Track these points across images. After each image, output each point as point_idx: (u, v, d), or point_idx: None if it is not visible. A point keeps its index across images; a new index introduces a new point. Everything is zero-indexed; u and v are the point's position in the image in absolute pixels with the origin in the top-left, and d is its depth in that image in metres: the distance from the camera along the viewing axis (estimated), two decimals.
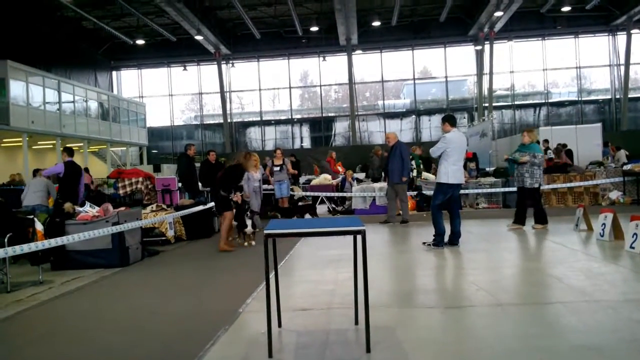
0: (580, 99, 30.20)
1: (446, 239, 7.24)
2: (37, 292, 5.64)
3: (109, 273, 6.55)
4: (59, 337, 3.98)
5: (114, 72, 33.62)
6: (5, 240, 5.59)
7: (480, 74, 29.23)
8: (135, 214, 7.59)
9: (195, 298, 5.11)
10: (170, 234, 8.68)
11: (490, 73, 27.85)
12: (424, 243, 7.35)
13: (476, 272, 5.91)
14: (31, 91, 22.49)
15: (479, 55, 29.23)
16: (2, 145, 22.79)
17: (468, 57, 30.67)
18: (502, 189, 11.99)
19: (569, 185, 11.88)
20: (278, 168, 11.29)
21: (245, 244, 8.22)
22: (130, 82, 33.98)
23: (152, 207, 9.23)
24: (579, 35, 29.64)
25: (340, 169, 16.52)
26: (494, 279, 5.41)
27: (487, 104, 27.92)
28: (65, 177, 8.39)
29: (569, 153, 15.14)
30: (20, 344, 3.85)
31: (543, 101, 30.62)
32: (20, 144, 21.81)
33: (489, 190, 12.13)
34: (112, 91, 32.19)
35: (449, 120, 7.39)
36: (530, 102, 31.12)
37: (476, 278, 5.60)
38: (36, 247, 5.68)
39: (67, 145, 13.05)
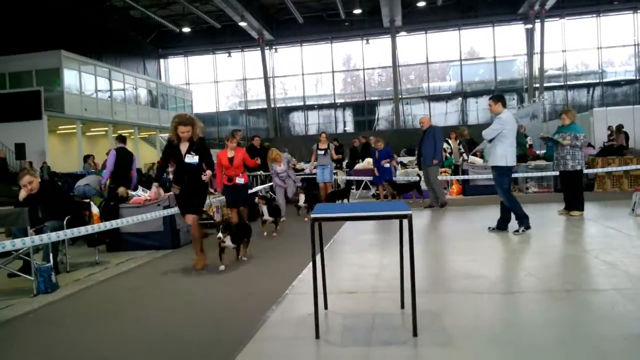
0: (638, 77, 28.67)
1: (493, 224, 7.09)
2: (94, 273, 5.93)
3: (161, 255, 6.79)
4: (116, 316, 4.17)
5: (161, 60, 34.44)
6: (64, 223, 5.87)
7: (530, 53, 28.22)
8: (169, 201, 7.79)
9: (243, 279, 5.23)
10: (217, 217, 8.88)
11: (541, 52, 26.83)
12: (490, 228, 7.13)
13: (525, 258, 5.78)
14: (84, 80, 23.36)
15: (529, 34, 28.18)
16: (58, 132, 23.84)
17: (517, 37, 29.62)
18: (553, 173, 11.60)
19: (625, 168, 11.35)
20: (322, 152, 11.17)
21: (265, 233, 7.86)
22: (177, 69, 34.75)
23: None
24: (638, 10, 28.04)
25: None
26: (545, 264, 5.27)
27: (537, 85, 26.97)
28: (118, 162, 8.68)
29: (625, 135, 14.46)
30: (81, 322, 4.06)
31: (597, 81, 29.28)
32: (74, 130, 22.76)
33: (540, 174, 11.75)
34: (160, 79, 33.00)
35: (502, 100, 7.12)
36: (584, 82, 29.83)
37: (525, 263, 5.48)
38: (92, 229, 5.95)
39: (120, 132, 13.47)
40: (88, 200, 6.94)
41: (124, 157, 8.83)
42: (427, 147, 9.90)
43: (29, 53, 21.21)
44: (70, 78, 22.67)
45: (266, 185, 11.69)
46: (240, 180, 7.60)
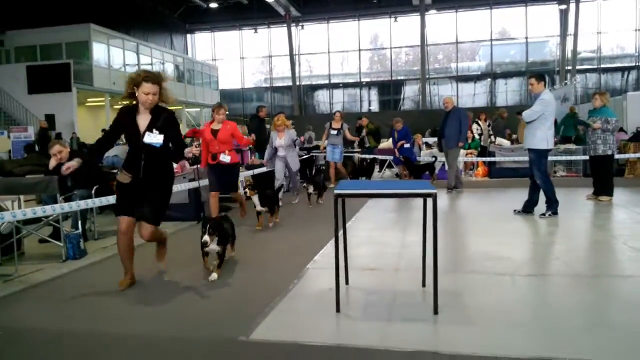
0: None
1: (519, 206, 6.98)
2: None
3: (187, 226, 6.90)
4: (140, 284, 4.26)
5: (188, 35, 34.51)
6: (92, 192, 6.00)
7: (563, 35, 27.37)
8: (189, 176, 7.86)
9: (265, 252, 5.28)
10: (240, 191, 8.94)
11: (575, 34, 26.01)
12: (515, 210, 6.99)
13: (551, 241, 5.69)
14: (112, 53, 23.58)
15: (564, 14, 27.29)
16: (87, 104, 24.22)
17: (551, 17, 28.73)
18: (582, 157, 11.33)
19: None
20: (335, 132, 10.81)
21: (271, 224, 6.65)
22: (203, 45, 34.79)
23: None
24: None
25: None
26: (571, 248, 5.19)
27: (570, 67, 26.20)
28: None
29: None
30: (106, 288, 4.17)
31: (633, 64, 28.29)
32: (103, 103, 23.10)
33: (569, 157, 11.49)
34: (187, 54, 33.10)
35: (544, 79, 6.80)
36: (619, 65, 28.86)
37: (551, 247, 5.40)
38: None
39: None
40: (116, 171, 7.07)
41: None
42: (451, 129, 9.51)
43: (59, 26, 21.47)
44: (99, 51, 22.92)
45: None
46: (225, 158, 6.50)
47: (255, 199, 6.43)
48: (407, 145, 11.45)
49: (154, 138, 4.00)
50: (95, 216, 6.47)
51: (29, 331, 3.31)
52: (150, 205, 4.06)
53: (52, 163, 6.06)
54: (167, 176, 4.18)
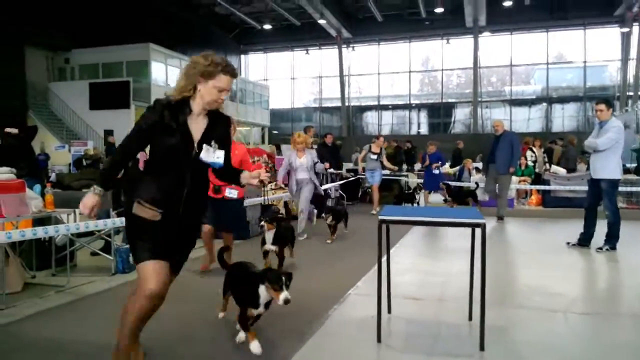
0: None
1: (574, 238, 6.66)
2: None
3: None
4: (182, 298, 4.32)
5: (242, 56, 35.46)
6: None
7: (625, 59, 26.33)
8: (256, 192, 7.95)
9: (307, 276, 5.25)
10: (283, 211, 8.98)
11: (639, 58, 24.96)
12: (569, 243, 6.67)
13: (609, 277, 5.39)
14: (169, 72, 24.54)
15: (626, 37, 26.29)
16: None
17: (611, 40, 27.72)
18: None
19: None
20: (375, 157, 10.39)
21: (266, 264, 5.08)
22: (256, 65, 35.64)
23: (271, 186, 9.61)
24: None
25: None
26: (629, 286, 4.88)
27: (631, 93, 25.11)
28: None
29: None
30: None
31: None
32: None
33: (629, 189, 10.92)
34: (240, 74, 34.00)
35: (613, 106, 6.52)
36: None
37: (608, 283, 5.11)
38: None
39: None
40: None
41: None
42: (503, 154, 9.13)
43: (120, 45, 22.56)
44: (157, 70, 23.89)
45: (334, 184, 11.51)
46: (232, 193, 5.25)
47: (270, 234, 5.09)
48: (436, 172, 11.25)
49: (214, 155, 2.70)
50: None
51: (74, 342, 3.40)
52: (184, 255, 2.87)
53: None
54: (204, 210, 3.02)
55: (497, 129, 9.48)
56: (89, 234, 5.51)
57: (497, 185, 9.39)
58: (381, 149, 10.63)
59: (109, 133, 20.65)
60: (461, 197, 10.97)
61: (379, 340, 3.28)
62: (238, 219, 5.58)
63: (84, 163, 14.97)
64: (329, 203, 10.11)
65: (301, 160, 7.36)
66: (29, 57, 22.22)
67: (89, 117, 22.30)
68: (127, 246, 5.47)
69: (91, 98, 22.55)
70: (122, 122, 21.60)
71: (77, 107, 22.56)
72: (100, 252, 5.66)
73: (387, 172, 11.37)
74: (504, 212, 9.32)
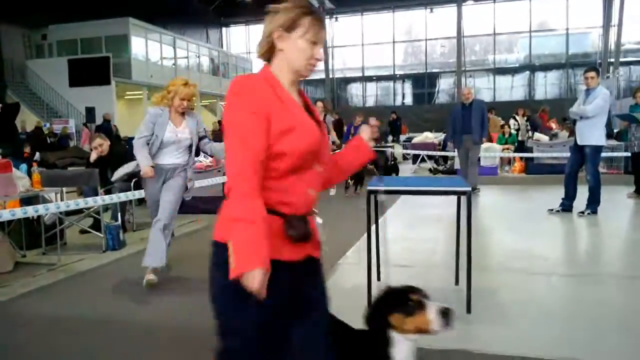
0: None
1: (555, 204, 6.81)
2: None
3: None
4: (176, 274, 4.38)
5: (223, 29, 34.84)
6: (132, 184, 6.18)
7: (607, 25, 26.40)
8: None
9: None
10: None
11: (619, 24, 25.02)
12: (550, 210, 6.77)
13: (589, 241, 5.57)
14: (150, 47, 24.08)
15: (607, 4, 26.30)
16: (125, 97, 24.82)
17: (594, 7, 27.72)
18: (624, 153, 10.96)
19: None
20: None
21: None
22: (238, 38, 35.08)
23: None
24: None
25: None
26: (610, 248, 5.06)
27: (612, 60, 25.30)
28: None
29: None
30: (143, 277, 4.29)
31: None
32: (141, 96, 23.63)
33: (610, 154, 11.14)
34: (222, 47, 33.47)
35: (599, 73, 6.61)
36: None
37: (589, 247, 5.28)
38: None
39: None
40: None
41: None
42: (476, 123, 8.47)
43: (98, 20, 22.02)
44: (137, 45, 23.42)
45: None
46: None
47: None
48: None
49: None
50: (134, 208, 6.66)
51: (70, 319, 3.45)
52: None
53: (93, 156, 6.27)
54: None
55: (468, 97, 8.70)
56: (78, 211, 5.52)
57: (466, 156, 8.76)
58: (325, 114, 8.80)
59: (90, 110, 20.36)
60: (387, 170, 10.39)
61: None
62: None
63: (49, 141, 14.75)
64: None
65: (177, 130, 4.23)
66: (4, 35, 21.60)
67: (69, 94, 21.88)
68: (117, 223, 5.49)
69: (70, 75, 22.09)
70: (103, 99, 21.28)
71: (56, 85, 22.11)
72: (90, 230, 5.68)
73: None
74: (477, 181, 8.78)
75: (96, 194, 5.56)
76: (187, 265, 4.64)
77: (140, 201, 7.52)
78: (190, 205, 7.38)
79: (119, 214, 5.79)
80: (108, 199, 5.20)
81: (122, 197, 5.47)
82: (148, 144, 4.03)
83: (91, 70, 21.66)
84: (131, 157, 6.97)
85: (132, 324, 3.31)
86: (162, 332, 3.18)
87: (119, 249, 5.30)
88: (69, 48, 23.45)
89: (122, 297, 3.89)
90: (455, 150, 9.24)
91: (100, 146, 6.24)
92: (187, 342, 3.05)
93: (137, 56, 23.32)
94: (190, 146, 4.18)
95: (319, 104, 8.51)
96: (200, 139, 4.27)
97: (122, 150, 7.16)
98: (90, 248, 5.38)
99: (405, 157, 15.06)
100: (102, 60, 21.89)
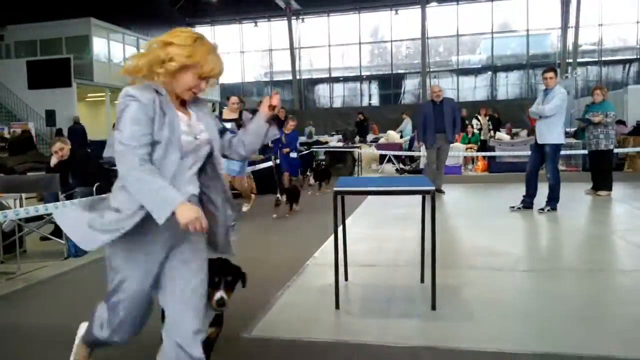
0: None
1: (516, 201, 6.99)
2: None
3: None
4: None
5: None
6: (94, 189, 6.04)
7: (565, 26, 27.25)
8: None
9: (265, 248, 5.32)
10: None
11: (576, 26, 25.90)
12: (512, 208, 6.92)
13: (550, 237, 5.73)
14: (112, 48, 23.56)
15: (565, 6, 27.16)
16: (87, 99, 24.21)
17: (553, 9, 28.57)
18: (582, 151, 11.34)
19: None
20: (230, 125, 6.90)
21: None
22: None
23: None
24: None
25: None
26: (569, 243, 5.23)
27: (570, 60, 26.13)
28: None
29: None
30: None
31: (635, 57, 28.17)
32: (103, 98, 23.10)
33: (569, 152, 11.51)
34: None
35: (557, 73, 6.79)
36: (620, 58, 28.72)
37: (550, 242, 5.44)
38: None
39: None
40: (117, 168, 7.09)
41: None
42: (448, 122, 8.34)
43: (58, 20, 21.42)
44: (99, 46, 22.89)
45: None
46: None
47: None
48: (293, 155, 9.22)
49: None
50: None
51: (30, 328, 3.35)
52: None
53: (54, 160, 6.09)
54: None
55: (439, 94, 8.47)
56: (38, 218, 5.35)
57: (437, 155, 8.58)
58: (241, 112, 7.31)
59: (50, 113, 19.80)
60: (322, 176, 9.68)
61: (337, 306, 3.41)
62: None
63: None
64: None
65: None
66: None
67: (29, 96, 21.18)
68: None
69: (30, 77, 21.39)
70: (63, 101, 20.71)
71: (15, 87, 21.37)
72: (51, 237, 5.52)
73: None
74: (442, 183, 8.68)
75: (57, 200, 5.40)
76: None
77: None
78: None
79: None
80: (69, 204, 5.07)
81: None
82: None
83: (51, 72, 21.04)
84: (95, 162, 6.83)
85: None
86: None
87: (81, 255, 5.16)
88: (28, 49, 22.74)
89: (84, 305, 3.79)
90: (424, 149, 8.97)
91: (61, 150, 6.07)
92: (152, 349, 3.00)
93: (99, 57, 22.79)
94: (210, 154, 2.17)
95: (234, 98, 7.54)
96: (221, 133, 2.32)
97: (83, 153, 6.99)
98: (51, 255, 5.23)
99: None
100: (63, 61, 21.29)
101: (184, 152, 2.00)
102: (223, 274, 2.38)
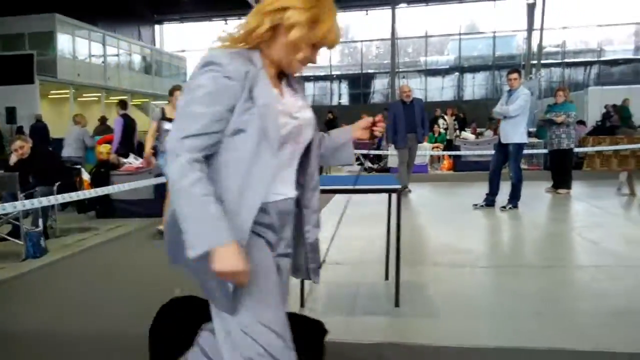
0: (638, 57, 28.52)
1: (480, 199, 7.13)
2: (84, 238, 5.97)
3: (151, 222, 6.83)
4: (104, 280, 4.22)
5: (156, 26, 33.83)
6: (55, 188, 5.89)
7: (530, 29, 27.90)
8: None
9: None
10: None
11: (541, 29, 26.53)
12: (475, 206, 7.06)
13: (511, 234, 5.87)
14: (77, 44, 22.98)
15: (531, 9, 27.81)
16: (50, 96, 23.55)
17: (519, 11, 29.23)
18: (543, 150, 11.65)
19: (613, 148, 11.39)
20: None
21: None
22: (172, 36, 34.18)
23: None
24: None
25: None
26: (529, 240, 5.37)
27: (535, 62, 26.78)
28: (123, 129, 8.54)
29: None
30: (69, 286, 4.12)
31: (595, 59, 29.09)
32: (67, 95, 22.52)
33: (531, 151, 11.80)
34: (155, 45, 32.48)
35: (521, 74, 7.01)
36: (582, 60, 29.62)
37: (510, 239, 5.57)
38: (83, 195, 5.96)
39: (121, 98, 13.14)
40: (79, 167, 6.95)
41: (130, 124, 8.74)
42: (419, 121, 8.38)
43: (21, 15, 20.75)
44: (63, 42, 22.29)
45: None
46: None
47: None
48: None
49: None
50: (57, 213, 6.35)
51: None
52: None
53: (13, 159, 5.92)
54: None
55: (409, 95, 8.44)
56: None
57: (407, 155, 8.53)
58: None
59: (10, 110, 19.18)
60: None
61: (302, 305, 3.41)
62: None
63: None
64: None
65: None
66: None
67: None
68: (38, 229, 5.22)
69: None
70: (25, 99, 20.06)
71: None
72: (8, 237, 5.36)
73: None
74: (408, 180, 8.60)
75: (15, 199, 5.24)
76: (117, 273, 4.49)
77: (64, 206, 7.20)
78: (119, 208, 7.16)
79: (41, 220, 5.50)
80: (29, 204, 4.92)
81: (44, 201, 5.20)
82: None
83: (13, 69, 20.33)
84: (57, 161, 6.66)
85: (58, 334, 3.16)
86: (90, 342, 3.06)
87: (40, 256, 5.03)
88: None
89: (45, 307, 3.70)
90: (394, 148, 8.81)
91: (21, 148, 5.89)
92: (119, 351, 2.95)
93: (64, 54, 22.18)
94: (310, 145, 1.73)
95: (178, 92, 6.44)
96: None
97: (45, 152, 6.80)
98: (9, 257, 5.07)
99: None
100: (25, 57, 20.61)
101: (280, 140, 1.51)
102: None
